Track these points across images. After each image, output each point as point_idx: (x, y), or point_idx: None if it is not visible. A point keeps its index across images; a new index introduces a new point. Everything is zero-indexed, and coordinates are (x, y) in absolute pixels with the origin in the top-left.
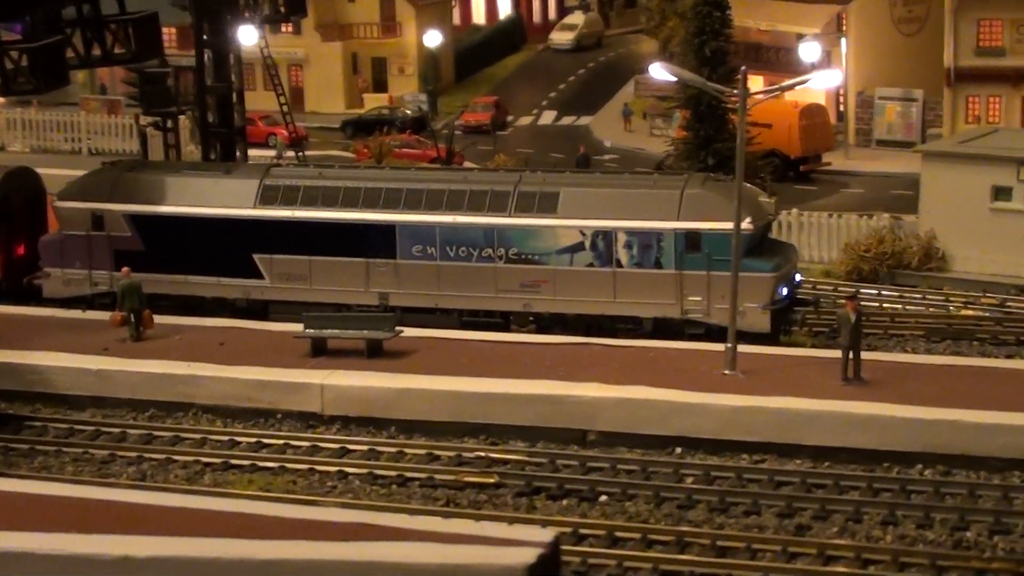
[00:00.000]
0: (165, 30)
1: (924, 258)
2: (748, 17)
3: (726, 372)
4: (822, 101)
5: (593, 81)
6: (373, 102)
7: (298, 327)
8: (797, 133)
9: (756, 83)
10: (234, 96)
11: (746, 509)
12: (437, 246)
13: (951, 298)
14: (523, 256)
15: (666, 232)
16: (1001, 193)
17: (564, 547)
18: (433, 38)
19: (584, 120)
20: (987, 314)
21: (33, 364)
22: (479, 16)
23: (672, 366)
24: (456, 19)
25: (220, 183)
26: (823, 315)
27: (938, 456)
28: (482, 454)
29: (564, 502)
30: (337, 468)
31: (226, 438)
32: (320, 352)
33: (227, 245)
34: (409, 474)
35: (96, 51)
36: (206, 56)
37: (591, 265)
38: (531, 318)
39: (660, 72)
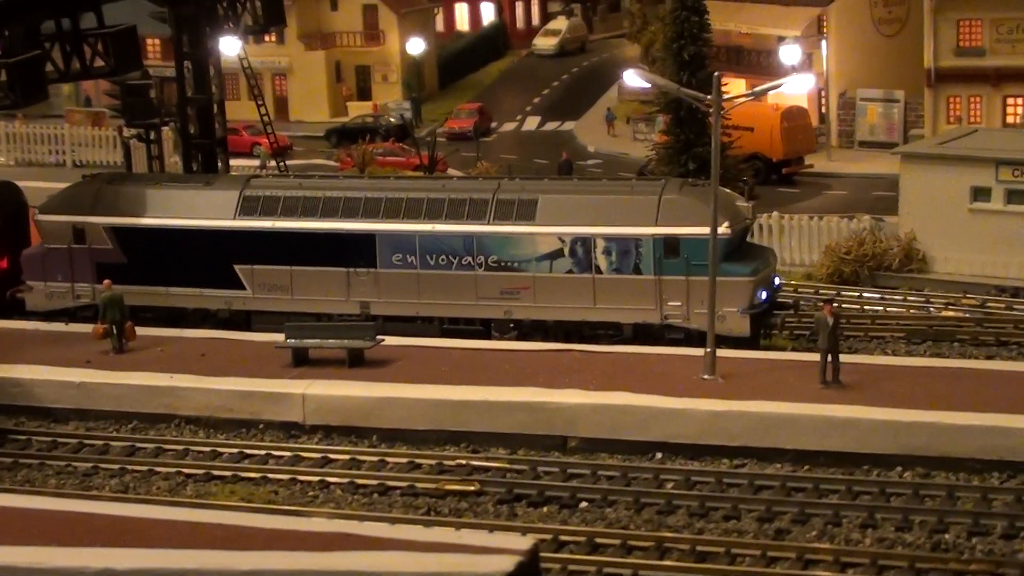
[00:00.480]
0: (149, 41)
1: (905, 260)
2: (729, 20)
3: (706, 377)
4: (804, 103)
5: (576, 86)
6: (357, 110)
7: (280, 337)
8: (779, 136)
9: (737, 86)
10: (215, 107)
11: (726, 514)
12: (417, 255)
13: (932, 299)
14: (503, 263)
15: (644, 238)
16: (980, 194)
17: (544, 554)
18: (416, 45)
19: (568, 125)
20: (967, 315)
21: (16, 377)
22: (462, 23)
23: (652, 371)
24: (439, 26)
25: (200, 195)
26: (803, 318)
27: (917, 458)
28: (463, 462)
29: (545, 509)
30: (319, 478)
31: (208, 449)
32: (302, 362)
33: (208, 256)
34: (390, 483)
35: (75, 65)
36: (186, 68)
37: (570, 272)
38: (512, 325)
39: (635, 79)
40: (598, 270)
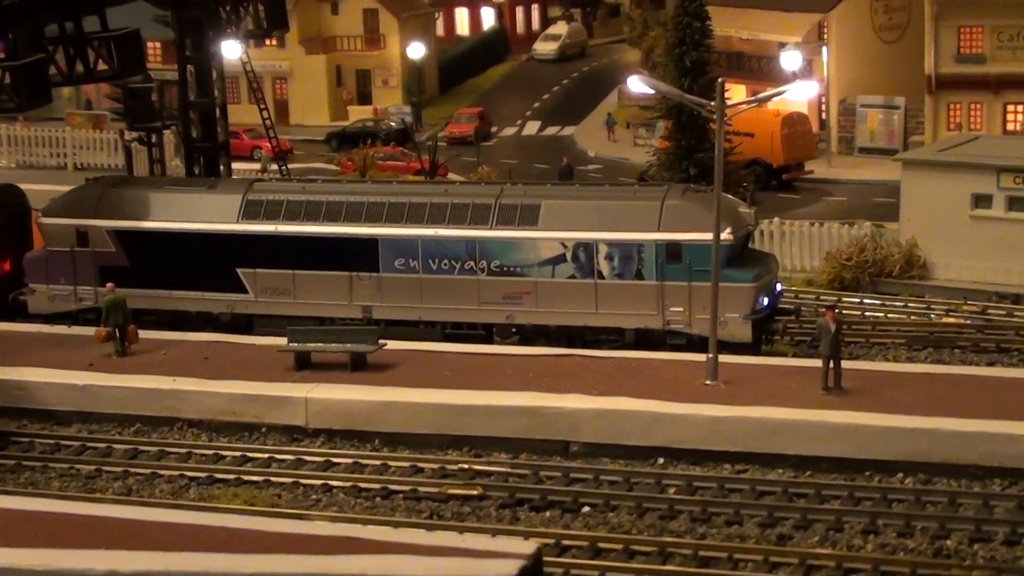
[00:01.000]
0: (150, 44)
1: (906, 266)
2: (730, 26)
3: (708, 382)
4: (804, 109)
5: (577, 91)
6: (357, 114)
7: (282, 341)
8: (779, 142)
9: (738, 92)
10: (217, 111)
11: (728, 519)
12: (419, 259)
13: (932, 306)
14: (505, 268)
15: (647, 243)
16: (981, 201)
17: (547, 558)
18: (417, 50)
19: (568, 130)
20: (968, 322)
21: (19, 380)
22: (463, 27)
23: (654, 377)
24: (440, 31)
25: (203, 198)
26: (804, 324)
27: (919, 465)
28: (465, 466)
29: (547, 513)
30: (321, 481)
31: (211, 452)
32: (304, 366)
33: (211, 260)
34: (393, 487)
35: (79, 68)
36: (189, 71)
37: (573, 277)
38: (513, 330)
39: (638, 85)
40: (600, 275)
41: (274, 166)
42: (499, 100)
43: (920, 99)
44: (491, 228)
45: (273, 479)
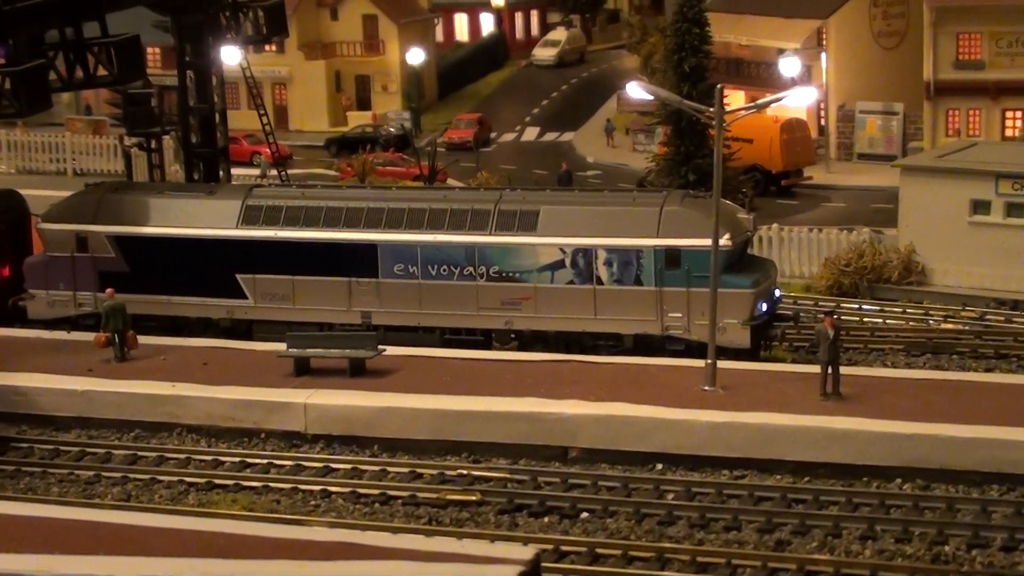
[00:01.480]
0: (149, 50)
1: (904, 272)
2: (729, 32)
3: (706, 388)
4: (803, 116)
5: (576, 97)
6: (357, 120)
7: (281, 346)
8: (778, 147)
9: (737, 98)
10: (217, 116)
11: (726, 525)
12: (419, 265)
13: (931, 312)
14: (504, 274)
15: (646, 249)
16: (980, 207)
17: (545, 564)
18: (416, 56)
19: (567, 136)
20: (967, 327)
21: (18, 385)
22: (462, 33)
23: (653, 382)
24: (439, 36)
25: (203, 204)
26: (803, 330)
27: (917, 470)
28: (464, 472)
29: (546, 519)
30: (320, 487)
31: (210, 458)
32: (303, 371)
33: (210, 265)
34: (392, 492)
35: (79, 74)
36: (188, 77)
37: (571, 282)
38: (512, 335)
39: (637, 91)
40: (599, 281)
41: (273, 172)
42: (498, 106)
43: (919, 105)
44: (490, 234)
45: (272, 485)
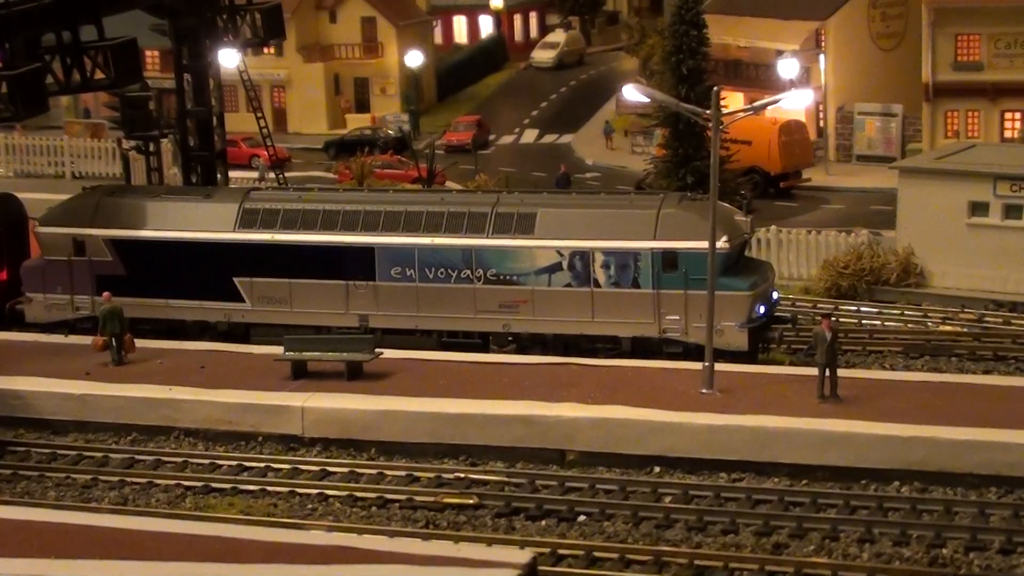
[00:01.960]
0: (148, 53)
1: (902, 274)
2: (727, 34)
3: (704, 391)
4: (802, 117)
5: (575, 99)
6: (355, 122)
7: (279, 350)
8: (777, 149)
9: (736, 100)
10: (215, 120)
11: (724, 528)
12: (416, 268)
13: (929, 314)
14: (501, 277)
15: (643, 252)
16: (978, 209)
17: (542, 568)
18: (415, 58)
19: (566, 138)
20: (965, 329)
21: (15, 389)
22: (461, 35)
23: (650, 385)
24: (438, 39)
25: (200, 207)
26: (801, 332)
27: (915, 473)
28: (461, 475)
29: (543, 522)
30: (318, 490)
31: (207, 461)
32: (301, 374)
33: (208, 269)
34: (389, 496)
35: (76, 77)
36: (186, 80)
37: (569, 285)
38: (510, 338)
39: (633, 94)
40: (596, 284)
41: (271, 174)
42: (497, 108)
43: (917, 107)
44: (487, 237)
45: (269, 488)
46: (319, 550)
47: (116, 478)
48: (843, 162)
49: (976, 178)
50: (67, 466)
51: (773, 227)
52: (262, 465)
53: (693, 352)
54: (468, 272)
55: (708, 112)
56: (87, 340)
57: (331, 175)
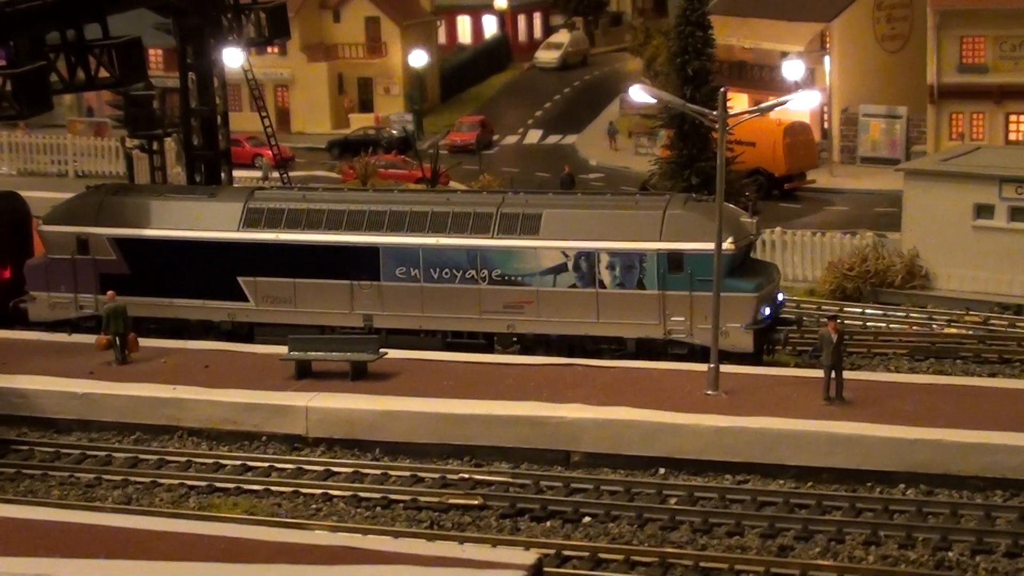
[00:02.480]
0: (151, 52)
1: (907, 276)
2: (732, 35)
3: (709, 392)
4: (806, 119)
5: (578, 100)
6: (359, 122)
7: (283, 349)
8: (781, 151)
9: (740, 101)
10: (219, 119)
11: (729, 530)
12: (420, 268)
13: (934, 316)
14: (506, 277)
15: (648, 253)
16: (983, 211)
17: (547, 569)
18: (419, 58)
19: (570, 139)
20: (970, 332)
21: (19, 388)
22: (465, 35)
23: (655, 387)
24: (442, 39)
25: (204, 206)
26: (806, 334)
27: (920, 476)
28: (466, 476)
29: (548, 524)
30: (322, 490)
31: (211, 461)
32: (305, 374)
33: (212, 268)
34: (393, 496)
35: (80, 76)
36: (190, 79)
37: (574, 286)
38: (514, 339)
39: (640, 94)
40: (602, 285)
41: (276, 174)
42: (501, 108)
43: (922, 109)
44: (493, 237)
45: (273, 488)
46: (324, 550)
47: (120, 477)
48: (847, 164)
49: (982, 180)
50: (71, 465)
51: (778, 229)
52: (266, 465)
53: (698, 353)
54: (473, 272)
55: (714, 113)
56: (90, 339)
57: (334, 175)
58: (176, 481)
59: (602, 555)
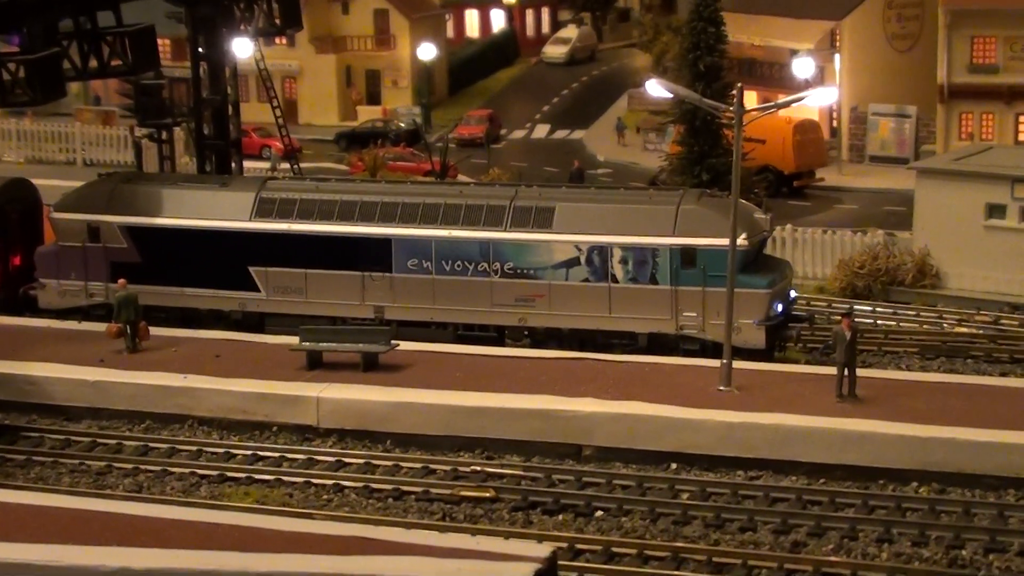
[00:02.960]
0: (160, 41)
1: (918, 275)
2: (742, 33)
3: (721, 388)
4: (816, 117)
5: (586, 95)
6: (367, 115)
7: (294, 340)
8: (791, 149)
9: (750, 98)
10: (229, 108)
11: (742, 525)
12: (433, 260)
13: (945, 315)
14: (518, 271)
15: (662, 248)
16: (995, 211)
17: (561, 562)
18: (427, 51)
19: (577, 134)
20: (981, 331)
21: (29, 375)
22: (473, 29)
23: (667, 382)
24: (450, 32)
25: (216, 195)
26: (817, 331)
27: (933, 474)
28: (478, 468)
29: (560, 517)
30: (333, 481)
31: (222, 450)
32: (316, 365)
33: (223, 257)
34: (405, 488)
35: (92, 63)
36: (201, 68)
37: (586, 280)
38: (526, 333)
39: (656, 88)
40: (614, 279)
41: (284, 164)
42: (508, 103)
43: (932, 108)
44: (505, 230)
45: (284, 478)
46: (335, 541)
47: (131, 465)
48: (856, 163)
49: (994, 180)
50: (81, 453)
51: (788, 226)
52: (277, 455)
53: (710, 349)
54: (485, 265)
55: (730, 109)
56: (101, 327)
57: (343, 167)
58: (187, 470)
59: (615, 549)
